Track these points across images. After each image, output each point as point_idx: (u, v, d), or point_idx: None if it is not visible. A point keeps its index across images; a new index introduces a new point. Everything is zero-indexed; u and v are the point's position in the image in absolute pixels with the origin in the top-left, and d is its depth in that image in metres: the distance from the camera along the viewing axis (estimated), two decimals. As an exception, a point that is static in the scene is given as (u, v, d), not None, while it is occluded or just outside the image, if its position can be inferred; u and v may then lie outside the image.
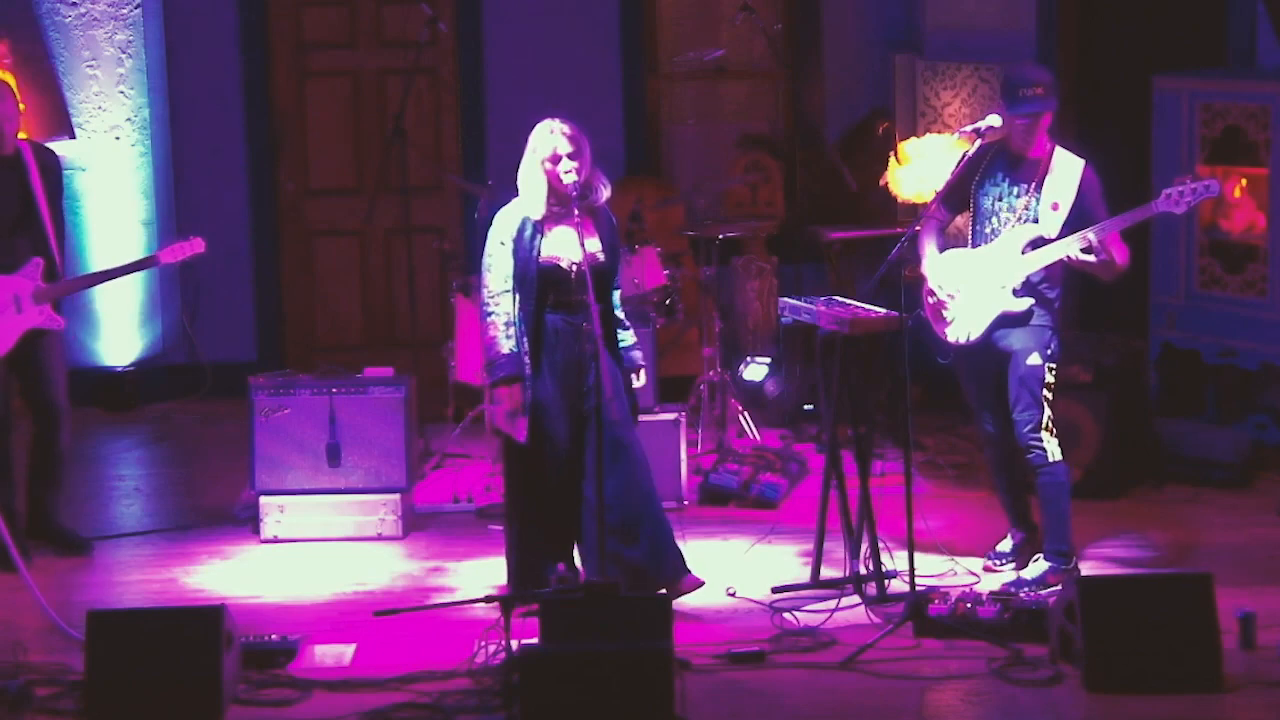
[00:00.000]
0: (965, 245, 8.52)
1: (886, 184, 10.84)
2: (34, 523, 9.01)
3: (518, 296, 8.13)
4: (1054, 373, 8.35)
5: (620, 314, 8.35)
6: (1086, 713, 7.27)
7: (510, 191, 8.33)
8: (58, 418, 8.97)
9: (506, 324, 8.14)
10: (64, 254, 8.95)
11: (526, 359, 8.12)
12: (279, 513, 9.35)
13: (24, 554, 8.63)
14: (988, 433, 8.64)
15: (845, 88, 12.08)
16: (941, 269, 8.43)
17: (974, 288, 8.34)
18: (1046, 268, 8.25)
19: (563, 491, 8.20)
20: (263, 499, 9.36)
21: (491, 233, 8.25)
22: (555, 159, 8.03)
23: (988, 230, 8.37)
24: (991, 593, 8.03)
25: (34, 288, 8.73)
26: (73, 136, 11.53)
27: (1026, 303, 8.27)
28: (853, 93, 12.05)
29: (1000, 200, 8.34)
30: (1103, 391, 9.72)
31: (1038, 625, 7.73)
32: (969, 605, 7.87)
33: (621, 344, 8.29)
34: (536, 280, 8.10)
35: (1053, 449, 8.31)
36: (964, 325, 8.38)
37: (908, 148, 10.78)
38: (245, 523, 9.52)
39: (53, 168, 8.95)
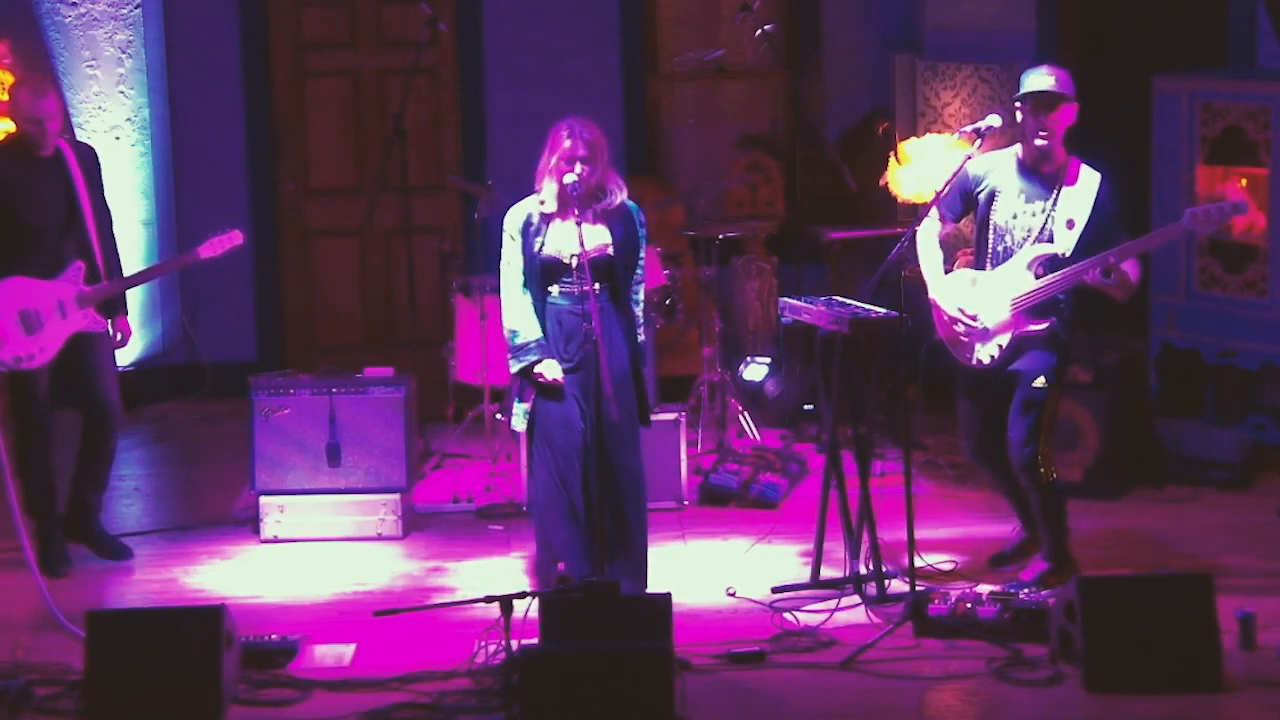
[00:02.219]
0: (971, 258, 8.49)
1: (886, 184, 10.82)
2: (73, 522, 8.92)
3: (529, 289, 8.21)
4: (1059, 391, 8.31)
5: (638, 311, 8.29)
6: (1086, 713, 7.27)
7: (509, 191, 8.37)
8: (108, 419, 8.84)
9: (523, 315, 8.17)
10: (111, 251, 8.84)
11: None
12: (279, 513, 9.35)
13: (58, 559, 8.70)
14: (972, 456, 8.60)
15: (845, 88, 12.07)
16: (953, 292, 8.37)
17: (990, 310, 8.27)
18: (1065, 288, 8.12)
19: (571, 482, 8.19)
20: (263, 499, 9.36)
21: (505, 227, 8.29)
22: (564, 158, 8.07)
23: (1000, 249, 8.26)
24: (991, 593, 8.03)
25: (77, 292, 8.65)
26: (72, 136, 11.53)
27: (1047, 323, 8.19)
28: (853, 93, 12.04)
29: (1015, 218, 8.23)
30: (1103, 391, 9.72)
31: (1038, 625, 7.73)
32: (969, 605, 7.87)
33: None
34: (540, 273, 8.17)
35: (1049, 474, 8.29)
36: (985, 349, 8.31)
37: (908, 148, 10.76)
38: (245, 523, 9.53)
39: (92, 163, 8.86)
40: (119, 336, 8.91)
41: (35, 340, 8.62)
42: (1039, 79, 8.14)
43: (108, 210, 8.91)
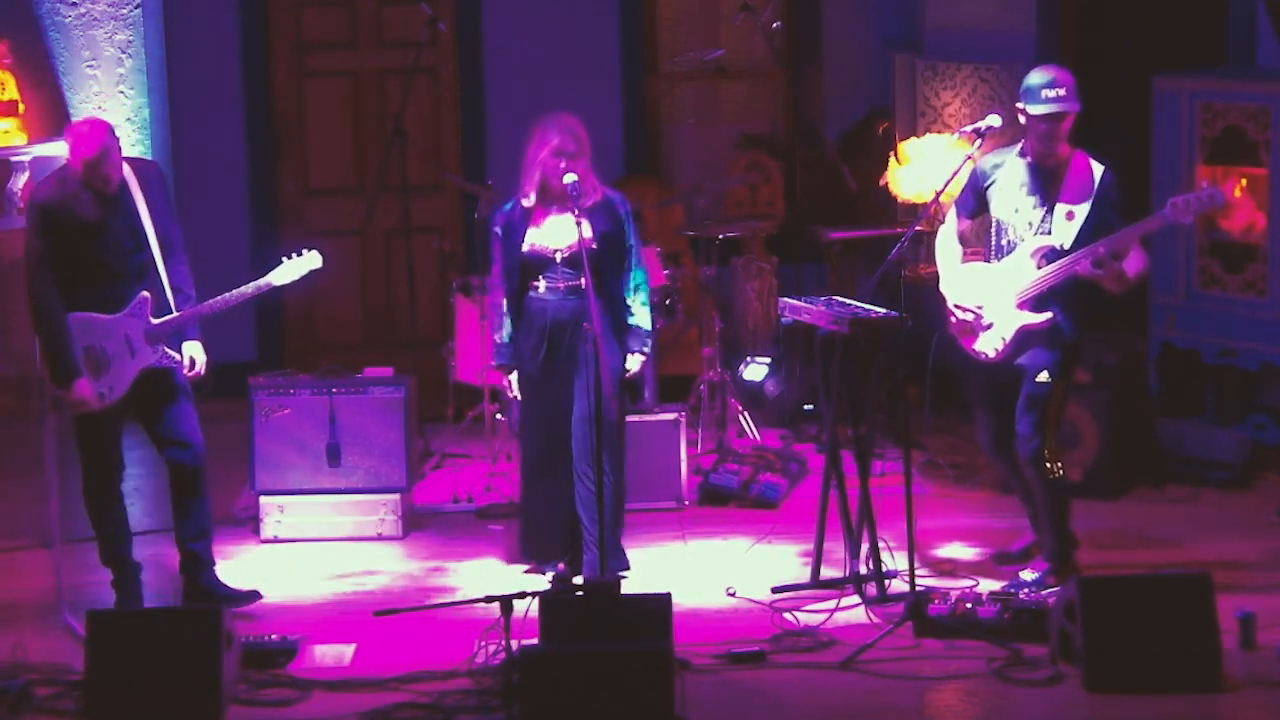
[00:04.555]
0: (980, 252, 8.50)
1: (886, 184, 10.83)
2: (187, 578, 8.50)
3: (506, 286, 8.43)
4: (1065, 386, 8.31)
5: (641, 297, 8.47)
6: (1086, 713, 7.27)
7: (509, 191, 8.44)
8: (189, 457, 8.38)
9: (501, 314, 8.45)
10: (180, 277, 8.30)
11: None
12: (279, 513, 9.36)
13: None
14: (990, 452, 8.62)
15: (845, 88, 12.07)
16: (961, 285, 8.39)
17: (994, 303, 8.30)
18: (1059, 281, 8.16)
19: (558, 471, 8.39)
20: (263, 499, 9.37)
21: (492, 226, 8.52)
22: (554, 152, 8.14)
23: (1004, 242, 8.29)
24: (991, 593, 8.03)
25: (145, 328, 8.20)
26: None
27: (1046, 316, 8.22)
28: (853, 93, 12.04)
29: (1017, 212, 8.25)
30: (1103, 391, 9.72)
31: (1038, 625, 7.73)
32: (969, 605, 7.87)
33: (630, 320, 8.48)
34: (520, 268, 8.33)
35: (1055, 468, 8.29)
36: (989, 341, 8.33)
37: (908, 148, 10.78)
38: (245, 523, 9.53)
39: (154, 184, 8.26)
40: (190, 361, 8.37)
41: (103, 380, 8.19)
42: (1050, 94, 8.10)
43: (173, 232, 8.36)
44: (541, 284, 8.31)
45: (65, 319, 8.15)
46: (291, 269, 8.45)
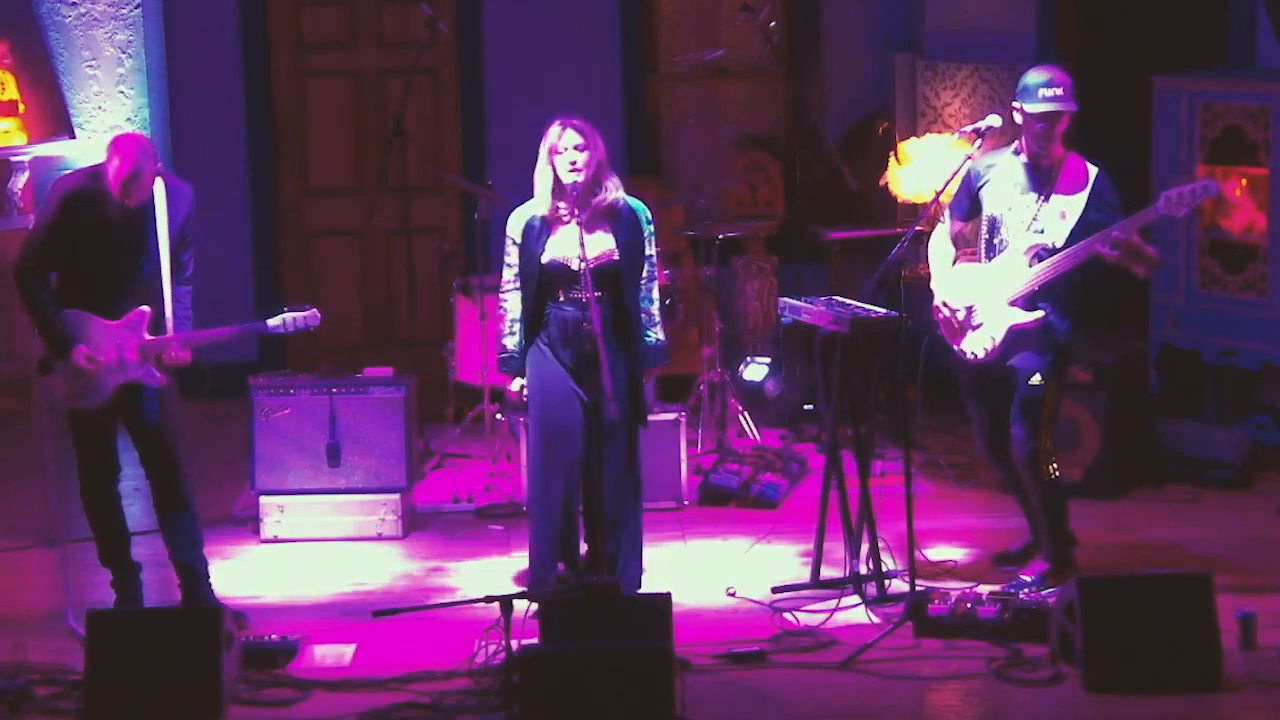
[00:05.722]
0: (977, 253, 8.51)
1: (886, 184, 10.83)
2: (184, 594, 8.43)
3: (523, 293, 8.19)
4: (1058, 387, 8.30)
5: (654, 310, 8.29)
6: (1086, 713, 7.27)
7: (509, 191, 8.39)
8: (166, 473, 8.26)
9: (511, 321, 8.23)
10: (179, 293, 8.19)
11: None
12: (279, 513, 9.36)
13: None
14: (985, 454, 8.63)
15: (845, 88, 12.07)
16: (952, 285, 8.38)
17: (985, 302, 8.30)
18: (1054, 277, 8.17)
19: (571, 484, 8.21)
20: (263, 499, 9.37)
21: (507, 230, 8.27)
22: (554, 150, 8.05)
23: (997, 241, 8.30)
24: (991, 593, 8.03)
25: (139, 342, 8.10)
26: (73, 136, 11.54)
27: (1037, 315, 8.23)
28: (853, 93, 12.04)
29: (1010, 210, 8.26)
30: (1103, 391, 9.72)
31: (1038, 625, 7.73)
32: (969, 605, 7.87)
33: (647, 339, 8.28)
34: (538, 278, 8.13)
35: (1050, 470, 8.29)
36: (979, 341, 8.33)
37: (908, 148, 10.78)
38: (245, 523, 9.53)
39: (178, 206, 8.14)
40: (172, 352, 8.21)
41: (88, 380, 8.10)
42: (1047, 94, 8.10)
43: (183, 257, 8.20)
44: (562, 297, 8.11)
45: (48, 293, 8.11)
46: (289, 320, 8.30)
